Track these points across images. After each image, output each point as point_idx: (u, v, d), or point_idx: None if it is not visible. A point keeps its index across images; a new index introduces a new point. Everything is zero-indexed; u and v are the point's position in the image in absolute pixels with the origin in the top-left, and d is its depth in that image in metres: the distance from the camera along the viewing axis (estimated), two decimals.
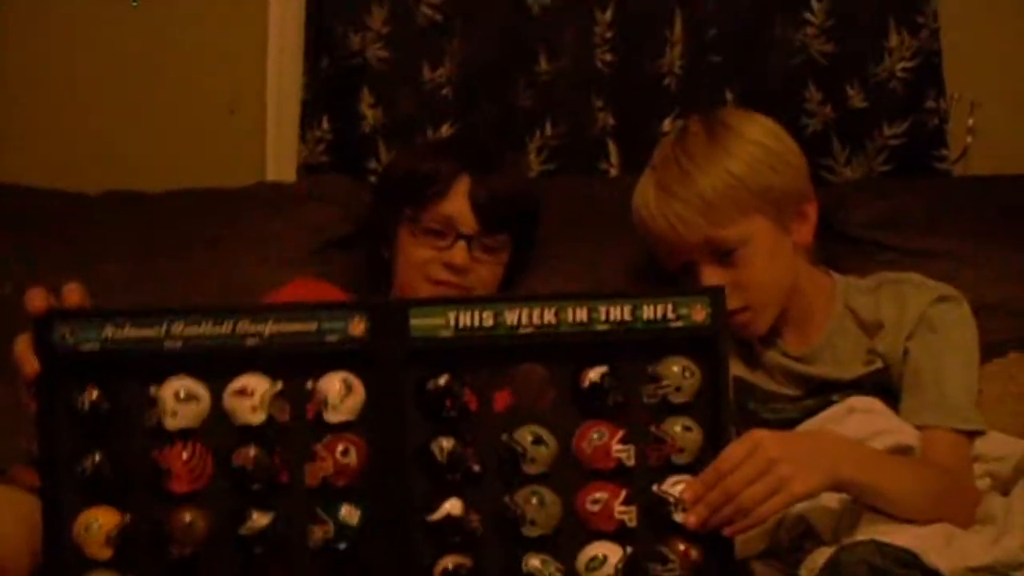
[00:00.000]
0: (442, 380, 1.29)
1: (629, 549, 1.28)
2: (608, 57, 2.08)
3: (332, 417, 1.28)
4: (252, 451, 1.27)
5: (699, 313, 1.29)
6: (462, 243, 1.69)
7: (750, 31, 2.08)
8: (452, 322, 1.28)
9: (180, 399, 1.27)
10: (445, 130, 2.08)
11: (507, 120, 2.10)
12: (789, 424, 1.54)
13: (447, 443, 1.28)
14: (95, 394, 1.26)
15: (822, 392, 1.59)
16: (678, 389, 1.29)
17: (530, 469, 1.29)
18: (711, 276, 1.56)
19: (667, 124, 2.04)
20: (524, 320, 1.28)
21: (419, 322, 1.28)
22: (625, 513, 1.28)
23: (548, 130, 2.10)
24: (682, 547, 1.28)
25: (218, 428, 1.28)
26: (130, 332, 1.27)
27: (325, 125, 2.10)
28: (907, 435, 1.46)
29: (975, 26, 2.10)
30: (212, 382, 1.29)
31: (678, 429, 1.29)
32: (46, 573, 1.28)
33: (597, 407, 1.30)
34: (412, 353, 1.28)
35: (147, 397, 1.28)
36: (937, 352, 1.57)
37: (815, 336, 1.64)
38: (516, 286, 1.78)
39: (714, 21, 2.07)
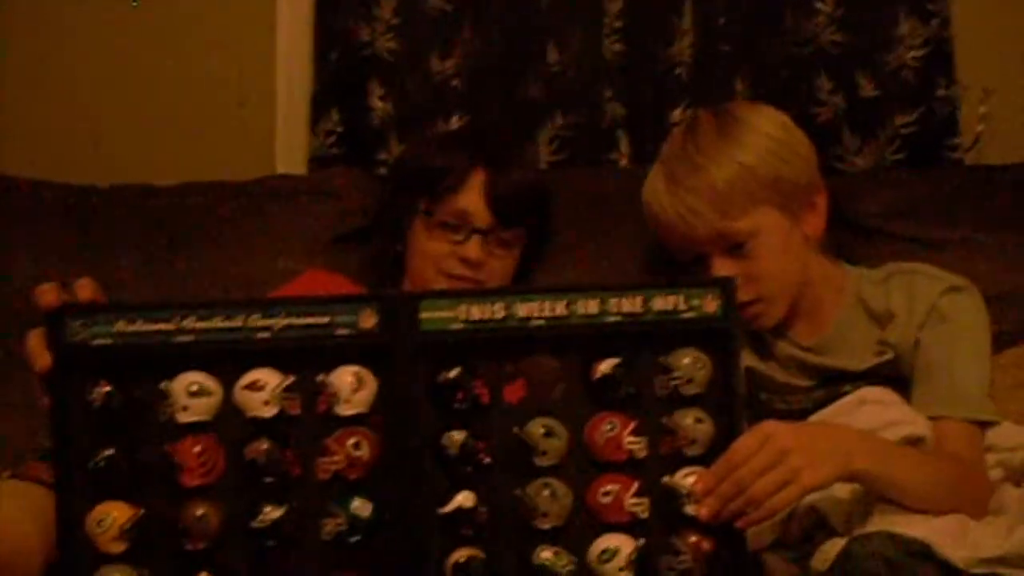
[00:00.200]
0: (453, 373, 1.29)
1: (641, 541, 1.28)
2: (617, 47, 2.07)
3: (343, 410, 1.28)
4: (264, 445, 1.27)
5: (710, 304, 1.29)
6: (477, 237, 1.68)
7: (760, 20, 2.07)
8: (463, 315, 1.28)
9: (192, 393, 1.28)
10: (455, 122, 2.08)
11: (517, 111, 2.09)
12: (801, 415, 1.54)
13: (458, 436, 1.28)
14: (107, 389, 1.26)
15: (833, 382, 1.59)
16: (689, 381, 1.29)
17: (542, 461, 1.29)
18: (722, 268, 1.56)
19: (677, 114, 2.03)
20: (535, 312, 1.28)
21: (430, 315, 1.28)
22: (637, 505, 1.28)
23: (558, 121, 2.09)
24: (694, 539, 1.28)
25: (230, 422, 1.28)
26: (142, 327, 1.27)
27: (335, 117, 2.10)
28: (919, 426, 1.46)
29: (986, 13, 2.09)
30: (224, 376, 1.29)
31: (689, 421, 1.29)
32: (60, 568, 1.28)
33: (608, 399, 1.30)
34: (423, 346, 1.29)
35: (159, 391, 1.28)
36: (948, 342, 1.56)
37: (826, 327, 1.64)
38: (528, 280, 1.78)
39: (724, 10, 2.06)
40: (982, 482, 1.44)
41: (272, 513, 1.27)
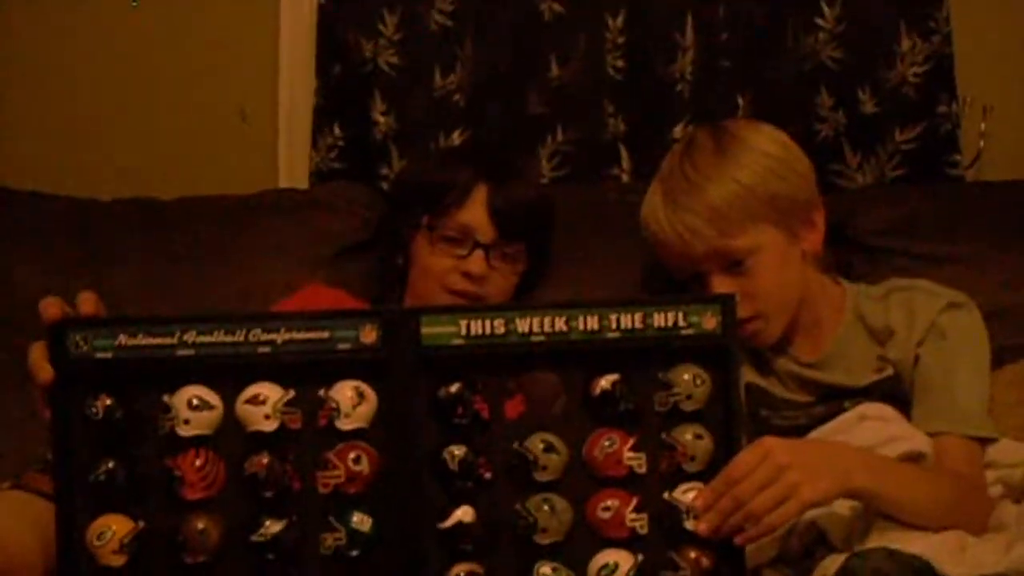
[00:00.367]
0: (454, 388, 1.29)
1: (640, 557, 1.28)
2: (619, 63, 2.08)
3: (344, 425, 1.28)
4: (265, 459, 1.27)
5: (710, 321, 1.29)
6: (480, 252, 1.69)
7: (761, 37, 2.07)
8: (464, 330, 1.29)
9: (193, 407, 1.28)
10: (457, 136, 2.08)
11: (519, 126, 2.10)
12: (801, 431, 1.54)
13: (459, 451, 1.28)
14: (109, 402, 1.27)
15: (833, 399, 1.59)
16: (689, 397, 1.30)
17: (541, 476, 1.29)
18: (721, 286, 1.56)
19: (678, 130, 2.04)
20: (535, 328, 1.29)
21: (431, 330, 1.29)
22: (636, 520, 1.29)
23: (559, 136, 2.10)
24: (693, 555, 1.28)
25: (231, 436, 1.29)
26: (143, 340, 1.28)
27: (337, 132, 2.11)
28: (919, 442, 1.46)
29: (987, 30, 2.10)
30: (225, 390, 1.29)
31: (689, 437, 1.29)
32: None
33: (608, 415, 1.30)
34: (424, 361, 1.29)
35: (160, 405, 1.28)
36: (948, 359, 1.56)
37: (826, 343, 1.64)
38: (529, 296, 1.78)
39: (725, 27, 2.06)
40: (982, 499, 1.44)
41: (272, 527, 1.27)
